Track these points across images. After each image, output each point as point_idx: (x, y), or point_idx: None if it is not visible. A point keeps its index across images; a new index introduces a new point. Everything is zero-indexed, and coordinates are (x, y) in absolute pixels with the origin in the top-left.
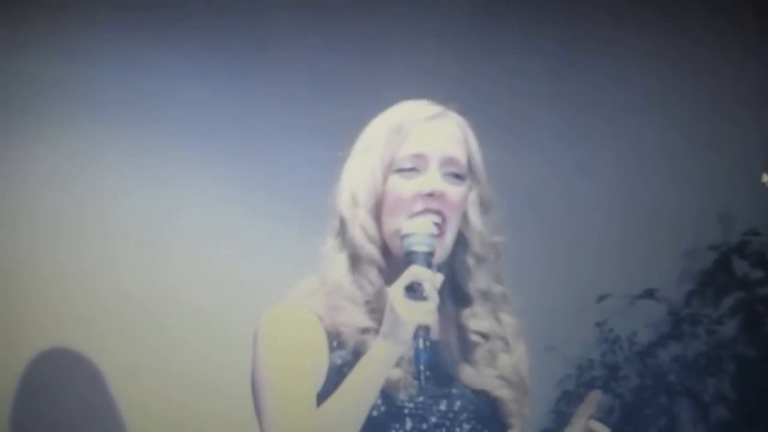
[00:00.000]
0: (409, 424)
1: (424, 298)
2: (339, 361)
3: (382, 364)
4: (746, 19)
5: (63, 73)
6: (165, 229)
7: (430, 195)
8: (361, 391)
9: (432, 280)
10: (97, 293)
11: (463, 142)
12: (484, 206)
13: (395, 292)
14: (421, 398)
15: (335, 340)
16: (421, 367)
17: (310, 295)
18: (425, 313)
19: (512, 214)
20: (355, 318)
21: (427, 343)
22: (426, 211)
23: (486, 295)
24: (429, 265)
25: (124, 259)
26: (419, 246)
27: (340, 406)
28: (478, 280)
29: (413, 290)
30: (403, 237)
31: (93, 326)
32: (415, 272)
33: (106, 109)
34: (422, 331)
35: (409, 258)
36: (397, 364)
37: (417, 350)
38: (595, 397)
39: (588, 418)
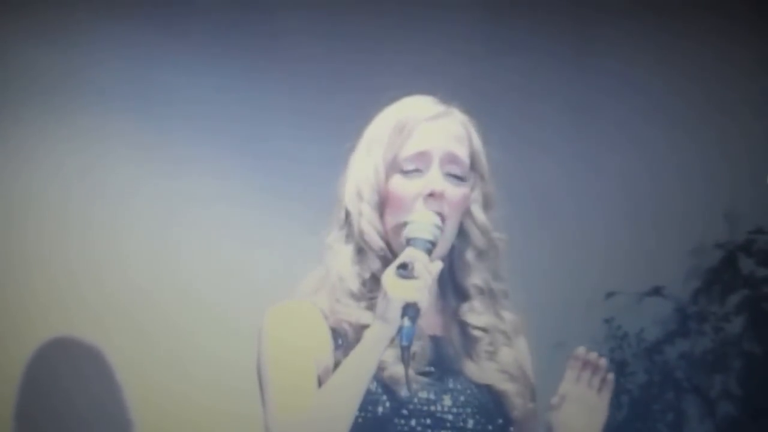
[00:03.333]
0: (413, 420)
1: (413, 277)
2: (342, 358)
3: (373, 344)
4: (751, 21)
5: (70, 68)
6: (172, 223)
7: (431, 195)
8: (353, 373)
9: (424, 262)
10: (106, 286)
11: (466, 140)
12: (487, 202)
13: (387, 272)
14: (423, 394)
15: (340, 337)
16: (405, 343)
17: (316, 291)
18: (413, 290)
19: (521, 212)
20: (357, 315)
21: (413, 322)
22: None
23: (484, 291)
24: (428, 252)
25: (132, 253)
26: (419, 232)
27: (335, 390)
28: (477, 276)
29: (404, 269)
30: (406, 224)
31: (101, 319)
32: (408, 253)
33: (113, 104)
34: (410, 309)
35: (408, 244)
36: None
37: (401, 327)
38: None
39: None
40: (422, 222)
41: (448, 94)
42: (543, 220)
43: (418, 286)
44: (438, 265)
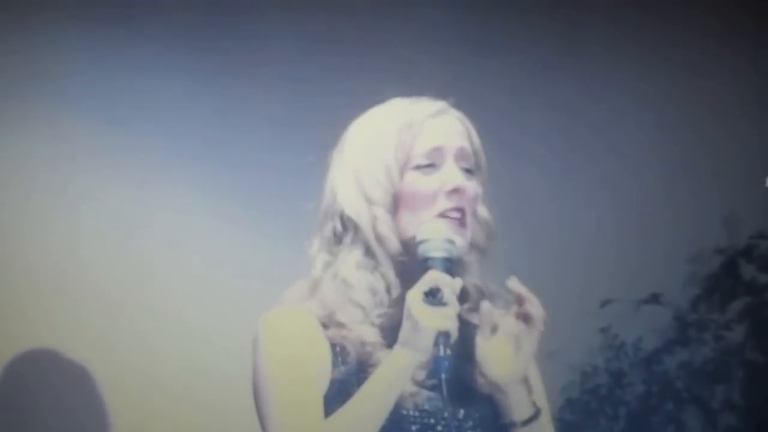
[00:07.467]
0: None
1: (443, 304)
2: (340, 375)
3: (402, 372)
4: (743, 22)
5: (37, 71)
6: (138, 229)
7: (454, 191)
8: (376, 400)
9: (451, 286)
10: (70, 293)
11: (467, 136)
12: (484, 199)
13: (413, 296)
14: (426, 407)
15: (338, 352)
16: (443, 376)
17: (303, 300)
18: (445, 318)
19: (511, 218)
20: (360, 331)
21: (448, 351)
22: (449, 209)
23: (484, 292)
24: (447, 271)
25: (97, 259)
26: (436, 251)
27: (355, 415)
28: (476, 275)
29: (432, 296)
30: (420, 243)
31: (65, 327)
32: (433, 277)
33: (80, 107)
34: (442, 338)
35: (426, 264)
36: None
37: (437, 358)
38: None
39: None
40: (435, 239)
41: (430, 98)
42: (538, 225)
43: (449, 314)
44: (459, 282)
